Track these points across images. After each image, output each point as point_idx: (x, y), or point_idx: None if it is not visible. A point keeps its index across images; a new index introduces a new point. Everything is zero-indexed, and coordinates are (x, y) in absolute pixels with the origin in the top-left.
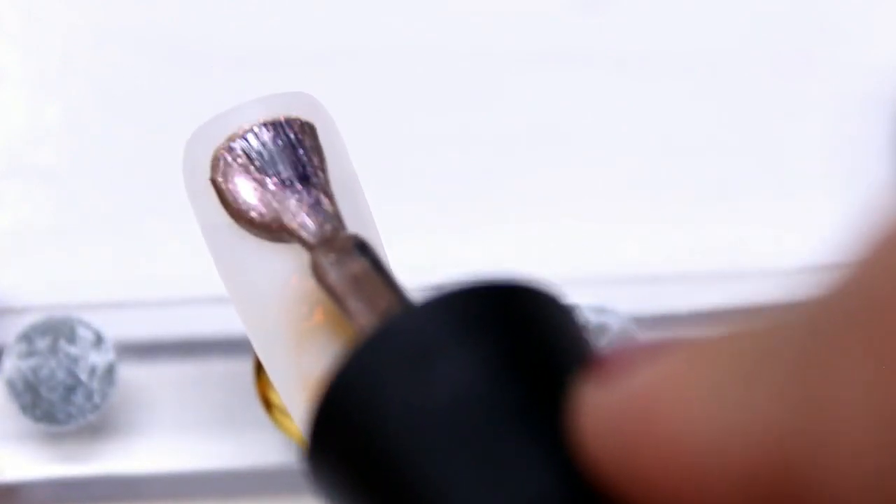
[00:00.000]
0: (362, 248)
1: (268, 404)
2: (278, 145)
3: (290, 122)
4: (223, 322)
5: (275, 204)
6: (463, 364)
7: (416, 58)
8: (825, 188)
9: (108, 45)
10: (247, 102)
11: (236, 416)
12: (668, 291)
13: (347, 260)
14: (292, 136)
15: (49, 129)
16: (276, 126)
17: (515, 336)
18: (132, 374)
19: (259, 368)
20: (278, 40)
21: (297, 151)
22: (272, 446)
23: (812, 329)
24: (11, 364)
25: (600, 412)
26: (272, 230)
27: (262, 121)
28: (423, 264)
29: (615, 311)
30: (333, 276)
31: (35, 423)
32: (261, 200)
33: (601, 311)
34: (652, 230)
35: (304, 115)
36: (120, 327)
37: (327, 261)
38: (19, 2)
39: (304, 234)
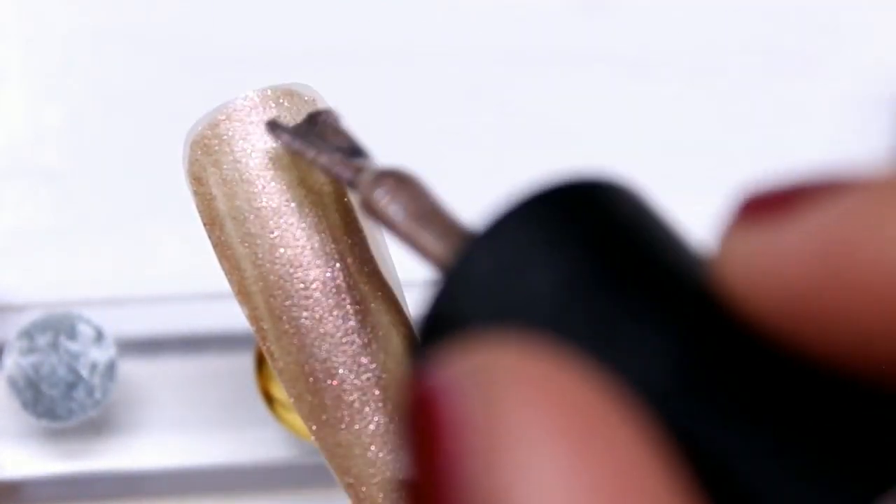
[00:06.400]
0: (411, 180)
1: (269, 399)
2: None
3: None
4: (223, 318)
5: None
6: (559, 264)
7: (416, 57)
8: None
9: (108, 45)
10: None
11: (237, 411)
12: None
13: (401, 194)
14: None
15: (49, 129)
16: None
17: (605, 225)
18: (133, 370)
19: (260, 364)
20: (278, 40)
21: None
22: (273, 441)
23: None
24: (12, 361)
25: (774, 256)
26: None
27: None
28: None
29: None
30: (392, 211)
31: (37, 420)
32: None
33: None
34: None
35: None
36: (120, 324)
37: (381, 197)
38: (19, 2)
39: (339, 171)
